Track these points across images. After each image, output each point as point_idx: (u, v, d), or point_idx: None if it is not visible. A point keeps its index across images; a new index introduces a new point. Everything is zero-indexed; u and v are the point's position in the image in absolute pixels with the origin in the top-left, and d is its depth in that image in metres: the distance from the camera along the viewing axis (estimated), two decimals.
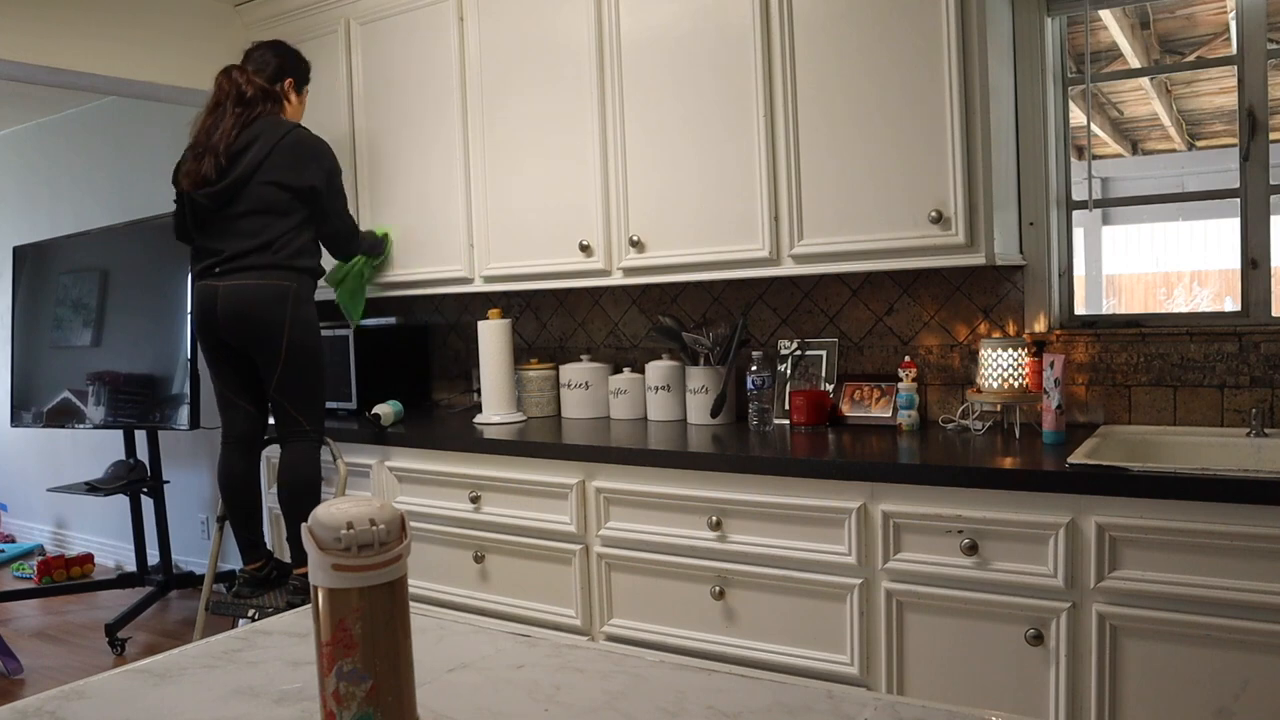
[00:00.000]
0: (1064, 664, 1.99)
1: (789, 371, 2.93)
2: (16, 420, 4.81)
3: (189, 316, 4.08)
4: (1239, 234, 2.45)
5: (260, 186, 2.86)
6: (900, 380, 2.67)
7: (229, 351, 2.95)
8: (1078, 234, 2.77)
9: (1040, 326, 2.61)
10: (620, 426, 3.01)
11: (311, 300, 2.97)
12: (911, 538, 2.16)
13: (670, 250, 2.80)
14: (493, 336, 3.18)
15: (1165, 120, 5.75)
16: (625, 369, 3.25)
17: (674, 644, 2.49)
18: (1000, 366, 2.50)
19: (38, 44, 3.21)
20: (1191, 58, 4.30)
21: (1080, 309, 2.70)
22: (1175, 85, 5.21)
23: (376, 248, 3.38)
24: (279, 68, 3.02)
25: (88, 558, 5.21)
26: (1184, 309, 7.61)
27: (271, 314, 2.85)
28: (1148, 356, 2.49)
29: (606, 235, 2.92)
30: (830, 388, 2.86)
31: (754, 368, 2.82)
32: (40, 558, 5.27)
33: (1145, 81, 4.99)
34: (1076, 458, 2.07)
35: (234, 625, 3.26)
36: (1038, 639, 2.01)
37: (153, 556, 4.69)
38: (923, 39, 2.36)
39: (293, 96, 3.06)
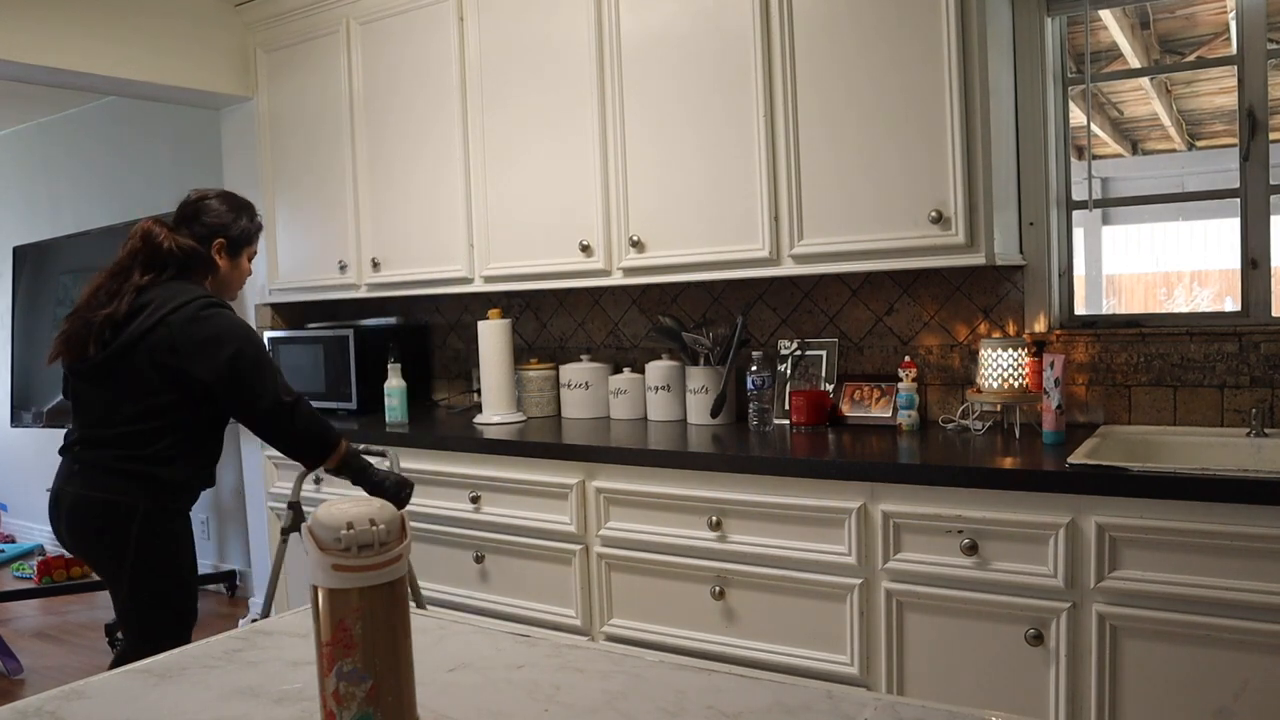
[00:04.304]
0: (1064, 664, 1.99)
1: (789, 371, 2.93)
2: (16, 420, 4.81)
3: None
4: (1239, 234, 2.45)
5: (136, 364, 2.22)
6: (900, 380, 2.67)
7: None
8: (1078, 234, 2.77)
9: (1040, 326, 2.61)
10: (620, 426, 3.01)
11: (175, 518, 2.30)
12: (911, 538, 2.16)
13: (670, 250, 2.80)
14: (493, 336, 3.18)
15: (1165, 120, 5.75)
16: (625, 369, 3.25)
17: (674, 644, 2.49)
18: (1000, 366, 2.50)
19: (38, 44, 3.21)
20: (1191, 58, 4.30)
21: (1080, 309, 2.70)
22: (1175, 85, 5.21)
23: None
24: (211, 226, 2.40)
25: None
26: (1184, 309, 7.61)
27: (109, 535, 2.23)
28: (1148, 356, 2.49)
29: (606, 235, 2.92)
30: (830, 388, 2.86)
31: (754, 368, 2.82)
32: (40, 558, 5.26)
33: (1145, 81, 4.99)
34: (1076, 458, 2.07)
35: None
36: (1038, 639, 2.01)
37: None
38: (923, 39, 2.36)
39: (223, 261, 2.42)
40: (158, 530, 2.25)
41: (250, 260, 2.51)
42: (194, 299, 2.27)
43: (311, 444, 2.36)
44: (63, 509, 2.29)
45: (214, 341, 2.24)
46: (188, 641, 2.05)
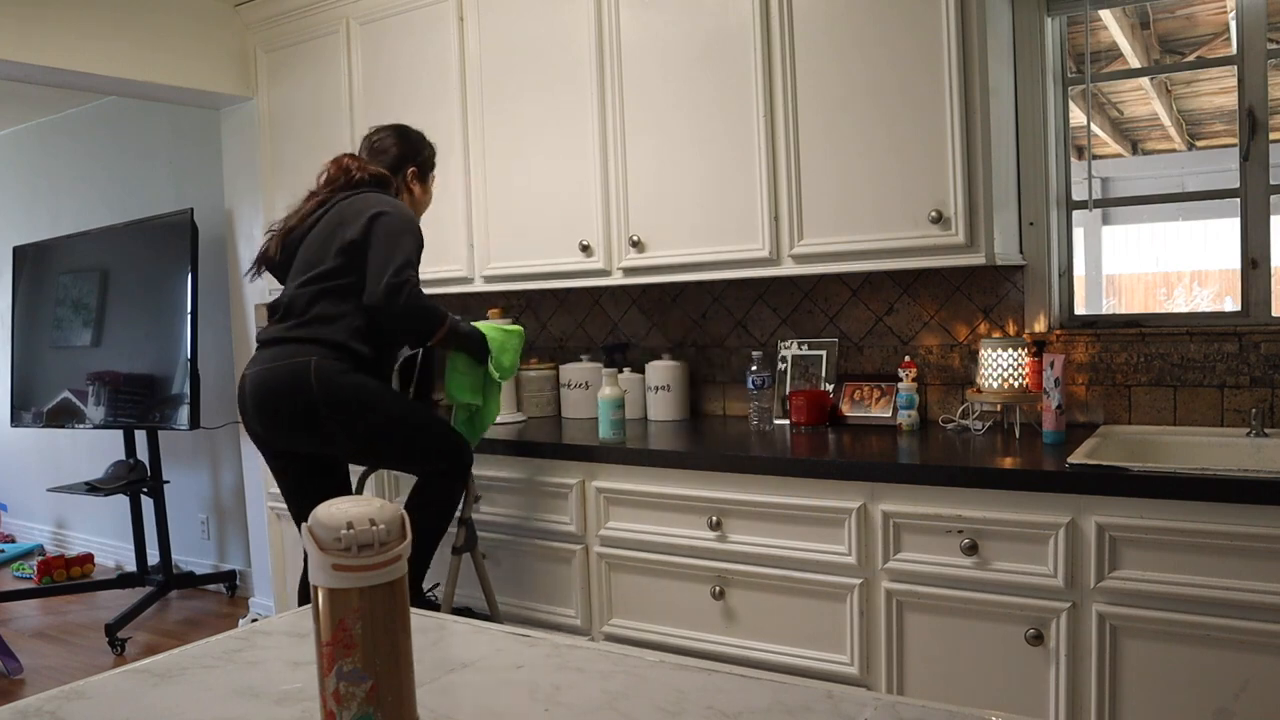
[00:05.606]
0: (1064, 664, 1.99)
1: (789, 371, 2.93)
2: (16, 420, 4.81)
3: (188, 317, 4.09)
4: (1239, 234, 2.45)
5: (309, 246, 2.44)
6: (900, 380, 2.67)
7: (275, 456, 2.50)
8: (1078, 234, 2.77)
9: (1040, 326, 2.61)
10: None
11: (350, 374, 2.34)
12: (911, 538, 2.16)
13: (670, 250, 2.80)
14: None
15: (1165, 120, 5.75)
16: (625, 369, 3.24)
17: (674, 644, 2.49)
18: (1000, 366, 2.50)
19: (38, 44, 3.21)
20: (1191, 58, 4.30)
21: (1080, 309, 2.69)
22: (1175, 85, 5.21)
23: (471, 344, 2.57)
24: (400, 155, 2.57)
25: (88, 558, 5.20)
26: (1184, 309, 7.61)
27: (296, 399, 2.31)
28: (1148, 356, 2.49)
29: (606, 235, 2.91)
30: (830, 388, 2.86)
31: (754, 368, 2.81)
32: (40, 558, 5.27)
33: (1145, 81, 4.99)
34: (1076, 458, 2.07)
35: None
36: (1038, 639, 2.01)
37: (153, 556, 4.69)
38: (923, 39, 2.36)
39: (416, 187, 2.61)
40: (335, 380, 2.31)
41: (431, 185, 2.70)
42: (377, 201, 2.42)
43: (416, 322, 2.41)
44: (246, 392, 2.40)
45: (370, 208, 2.39)
46: (461, 454, 2.48)
